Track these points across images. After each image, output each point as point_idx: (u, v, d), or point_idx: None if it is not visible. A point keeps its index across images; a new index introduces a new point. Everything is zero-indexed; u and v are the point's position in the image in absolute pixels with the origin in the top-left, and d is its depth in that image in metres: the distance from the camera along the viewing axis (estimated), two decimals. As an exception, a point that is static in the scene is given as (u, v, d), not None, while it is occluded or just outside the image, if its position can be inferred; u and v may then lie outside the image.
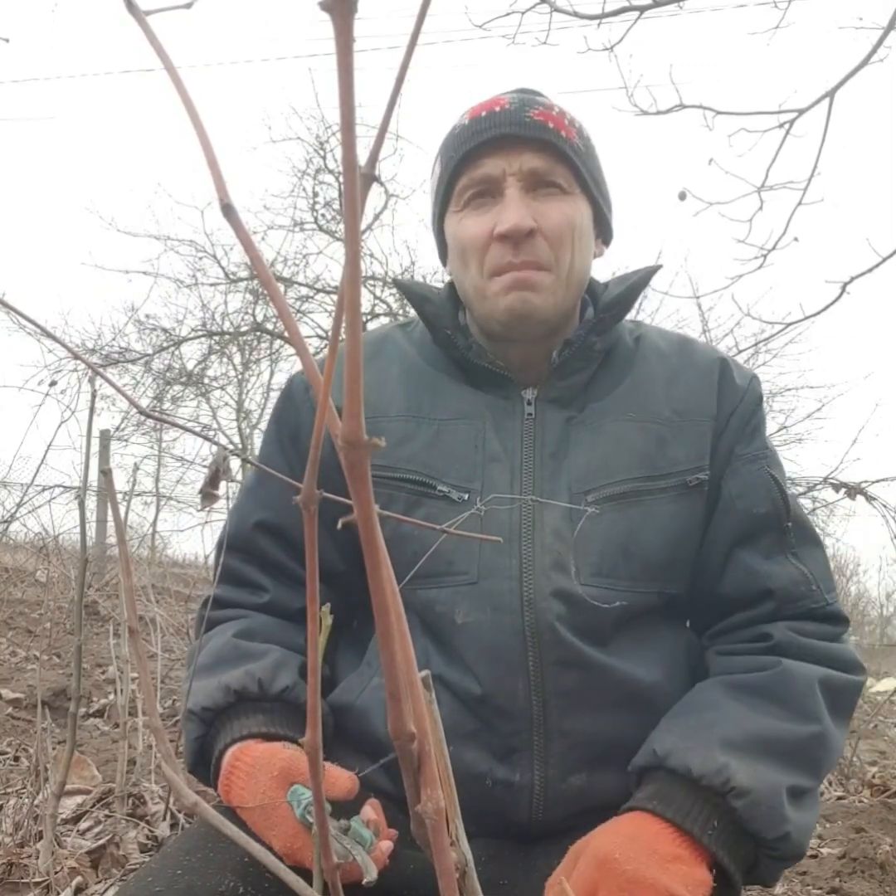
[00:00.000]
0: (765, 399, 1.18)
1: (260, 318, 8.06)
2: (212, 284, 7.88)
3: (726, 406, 1.09)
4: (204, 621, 1.09)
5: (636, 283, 1.10)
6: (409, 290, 1.14)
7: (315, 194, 7.52)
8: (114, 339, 7.86)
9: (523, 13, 3.34)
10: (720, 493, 1.07)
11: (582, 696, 0.99)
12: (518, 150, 1.04)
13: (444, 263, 1.16)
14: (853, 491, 2.67)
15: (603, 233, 1.15)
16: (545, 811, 0.99)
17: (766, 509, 1.06)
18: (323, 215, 7.54)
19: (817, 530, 1.14)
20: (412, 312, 1.14)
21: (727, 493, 1.07)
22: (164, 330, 8.02)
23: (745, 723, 0.95)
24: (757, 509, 1.06)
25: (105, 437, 7.45)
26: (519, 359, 1.10)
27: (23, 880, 1.63)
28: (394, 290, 7.23)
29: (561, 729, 0.99)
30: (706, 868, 0.87)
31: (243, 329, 8.21)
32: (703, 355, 1.13)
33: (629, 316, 1.15)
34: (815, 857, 2.09)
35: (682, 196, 3.23)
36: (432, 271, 7.26)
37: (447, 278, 1.17)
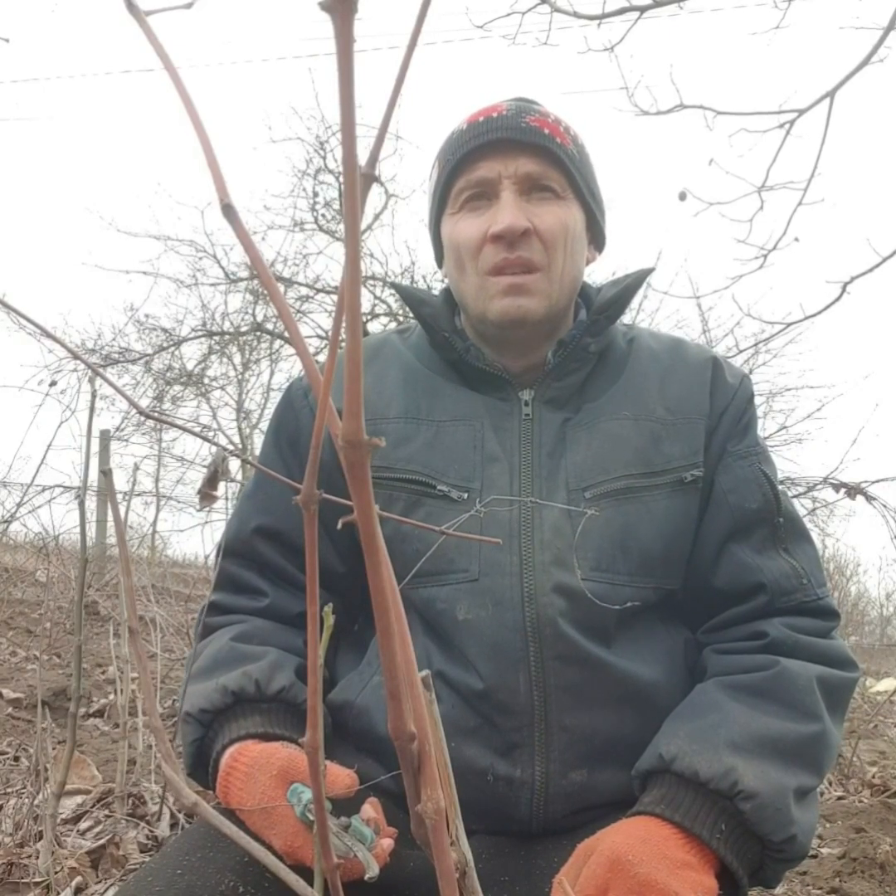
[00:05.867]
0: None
1: (260, 318, 8.06)
2: (212, 284, 7.88)
3: (719, 404, 1.10)
4: (203, 627, 1.10)
5: (629, 285, 1.12)
6: (407, 294, 1.15)
7: (315, 194, 7.52)
8: (114, 339, 7.86)
9: (524, 14, 3.34)
10: (713, 488, 1.08)
11: (582, 692, 1.00)
12: (514, 153, 1.06)
13: (440, 266, 1.17)
14: (853, 491, 2.67)
15: (595, 239, 1.16)
16: (546, 807, 1.00)
17: (758, 504, 1.07)
18: (323, 215, 7.54)
19: (810, 528, 1.15)
20: (411, 314, 1.15)
21: (719, 489, 1.08)
22: (164, 330, 8.02)
23: (749, 724, 0.95)
24: (748, 504, 1.07)
25: (105, 437, 7.44)
26: (515, 360, 1.11)
27: (23, 880, 1.63)
28: (394, 291, 7.22)
29: (562, 724, 0.99)
30: (713, 874, 0.88)
31: (243, 329, 8.21)
32: (695, 355, 1.15)
33: (626, 318, 1.16)
34: (815, 857, 2.09)
35: (683, 196, 3.22)
36: (432, 271, 7.26)
37: (445, 282, 1.18)
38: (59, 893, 1.60)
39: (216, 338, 8.23)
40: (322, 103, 7.28)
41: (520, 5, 3.32)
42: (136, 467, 7.07)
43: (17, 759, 2.45)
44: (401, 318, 7.07)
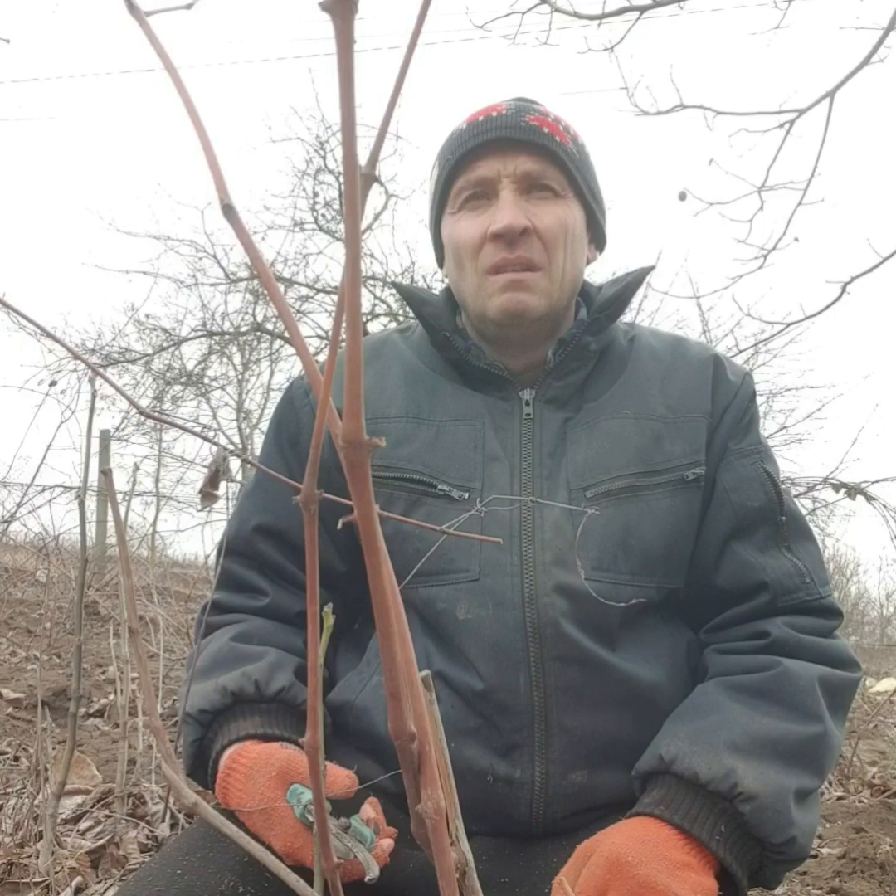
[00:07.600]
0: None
1: (260, 318, 8.06)
2: (212, 284, 7.88)
3: (720, 402, 1.10)
4: (203, 626, 1.09)
5: (630, 284, 1.12)
6: (408, 294, 1.15)
7: (315, 194, 7.52)
8: (114, 339, 7.86)
9: (524, 14, 3.33)
10: (715, 487, 1.08)
11: (583, 693, 1.00)
12: (513, 152, 1.06)
13: (441, 265, 1.17)
14: (853, 491, 2.67)
15: (596, 238, 1.16)
16: (546, 808, 1.00)
17: (760, 503, 1.07)
18: (323, 215, 7.54)
19: (812, 526, 1.15)
20: (412, 314, 1.15)
21: (721, 487, 1.08)
22: (164, 330, 8.02)
23: (750, 725, 0.95)
24: (751, 503, 1.07)
25: (105, 437, 7.44)
26: (516, 360, 1.11)
27: (23, 880, 1.63)
28: (394, 291, 7.23)
29: (562, 725, 0.99)
30: (713, 875, 0.87)
31: (243, 329, 8.21)
32: (697, 353, 1.14)
33: (627, 317, 1.16)
34: (815, 857, 2.09)
35: (683, 196, 3.22)
36: (432, 272, 7.26)
37: (446, 281, 1.18)
38: (59, 893, 1.60)
39: (216, 338, 8.23)
40: (322, 103, 7.29)
41: (520, 5, 3.33)
42: (136, 467, 7.07)
43: (17, 759, 2.45)
44: (401, 318, 7.07)
